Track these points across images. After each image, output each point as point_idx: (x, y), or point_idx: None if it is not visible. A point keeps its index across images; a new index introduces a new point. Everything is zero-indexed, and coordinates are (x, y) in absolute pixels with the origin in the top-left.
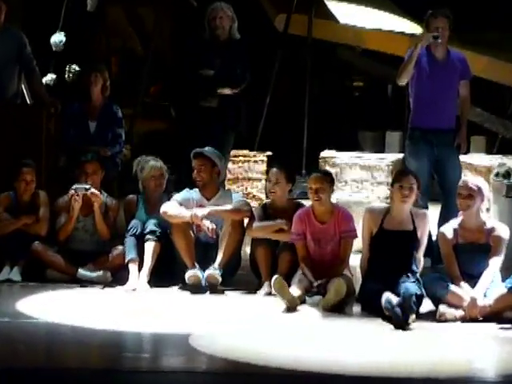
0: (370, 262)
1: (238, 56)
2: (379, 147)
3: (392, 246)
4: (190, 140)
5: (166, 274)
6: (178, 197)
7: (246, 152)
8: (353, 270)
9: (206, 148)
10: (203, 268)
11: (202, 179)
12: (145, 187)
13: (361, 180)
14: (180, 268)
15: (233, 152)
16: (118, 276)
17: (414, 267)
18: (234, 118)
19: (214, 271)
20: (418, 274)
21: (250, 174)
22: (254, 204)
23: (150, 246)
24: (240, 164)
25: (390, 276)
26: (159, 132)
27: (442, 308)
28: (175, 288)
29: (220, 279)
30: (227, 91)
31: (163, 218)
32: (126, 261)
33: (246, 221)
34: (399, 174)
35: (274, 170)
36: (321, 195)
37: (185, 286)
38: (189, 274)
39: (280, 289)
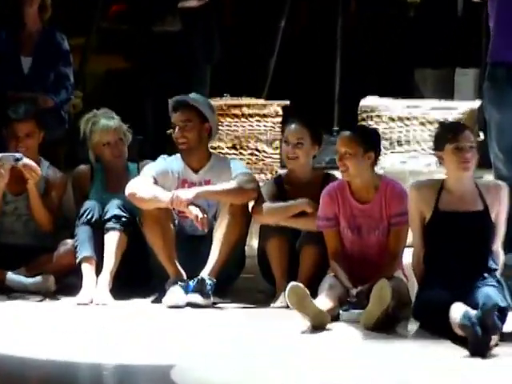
0: (426, 259)
1: None
2: (446, 92)
3: (455, 235)
4: (150, 83)
5: (136, 278)
6: (151, 169)
7: (251, 101)
8: (409, 271)
9: (192, 95)
10: (191, 274)
11: (188, 141)
12: (99, 157)
13: (419, 140)
14: (156, 270)
15: (232, 101)
16: (67, 283)
17: (492, 263)
18: (205, 43)
19: (196, 296)
20: (498, 273)
21: (257, 133)
22: (264, 178)
23: (112, 239)
24: (243, 119)
25: (458, 278)
26: (123, 71)
27: None
28: (150, 299)
29: (208, 303)
30: (192, 3)
31: None
32: (78, 260)
33: (251, 203)
34: (451, 131)
35: (294, 126)
36: (348, 163)
37: (163, 297)
38: (168, 295)
39: (299, 302)
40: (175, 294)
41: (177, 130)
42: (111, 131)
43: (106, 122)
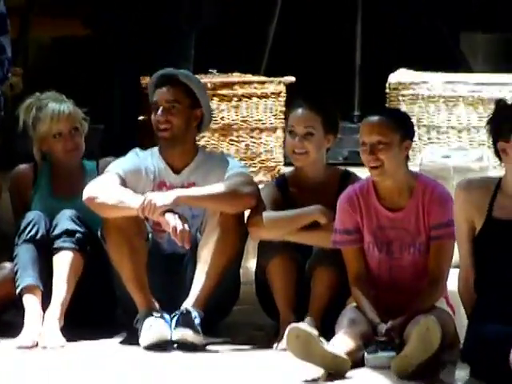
0: (478, 282)
1: None
2: (501, 62)
3: None
4: (116, 55)
5: (96, 312)
6: (118, 166)
7: (245, 78)
8: (455, 300)
9: (182, 70)
10: (168, 307)
11: (172, 128)
12: (46, 153)
13: (467, 127)
14: (123, 300)
15: (221, 79)
16: (4, 320)
17: None
18: (190, 2)
19: (185, 330)
20: None
21: (253, 120)
22: (264, 179)
23: (63, 261)
24: (234, 101)
25: None
26: (79, 40)
27: None
28: (116, 339)
29: (200, 340)
30: None
31: (88, 208)
32: (19, 290)
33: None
34: None
35: (301, 111)
36: (382, 157)
37: (134, 339)
38: (145, 330)
39: (303, 349)
40: (157, 327)
41: (159, 111)
42: (63, 118)
43: (56, 107)
